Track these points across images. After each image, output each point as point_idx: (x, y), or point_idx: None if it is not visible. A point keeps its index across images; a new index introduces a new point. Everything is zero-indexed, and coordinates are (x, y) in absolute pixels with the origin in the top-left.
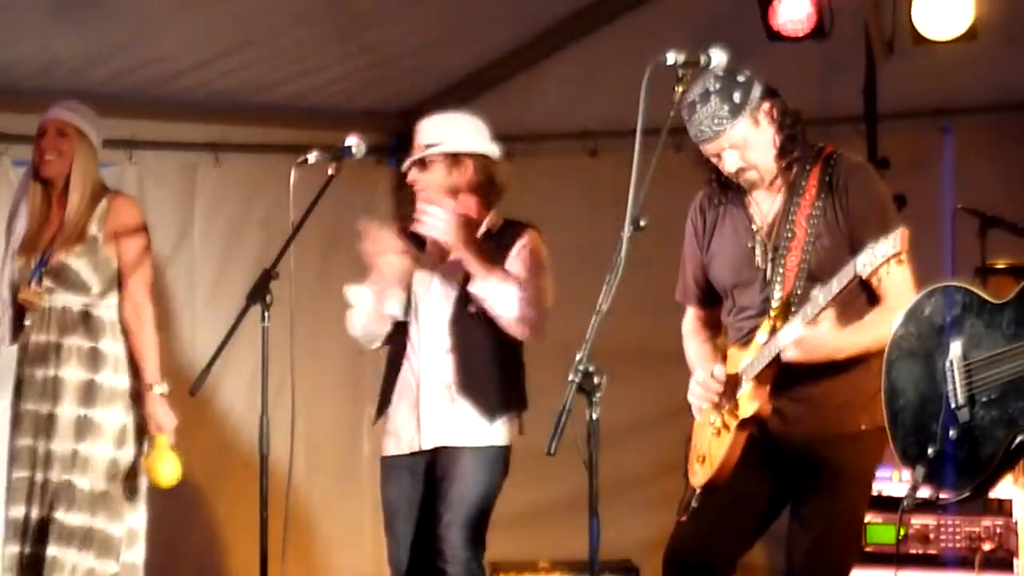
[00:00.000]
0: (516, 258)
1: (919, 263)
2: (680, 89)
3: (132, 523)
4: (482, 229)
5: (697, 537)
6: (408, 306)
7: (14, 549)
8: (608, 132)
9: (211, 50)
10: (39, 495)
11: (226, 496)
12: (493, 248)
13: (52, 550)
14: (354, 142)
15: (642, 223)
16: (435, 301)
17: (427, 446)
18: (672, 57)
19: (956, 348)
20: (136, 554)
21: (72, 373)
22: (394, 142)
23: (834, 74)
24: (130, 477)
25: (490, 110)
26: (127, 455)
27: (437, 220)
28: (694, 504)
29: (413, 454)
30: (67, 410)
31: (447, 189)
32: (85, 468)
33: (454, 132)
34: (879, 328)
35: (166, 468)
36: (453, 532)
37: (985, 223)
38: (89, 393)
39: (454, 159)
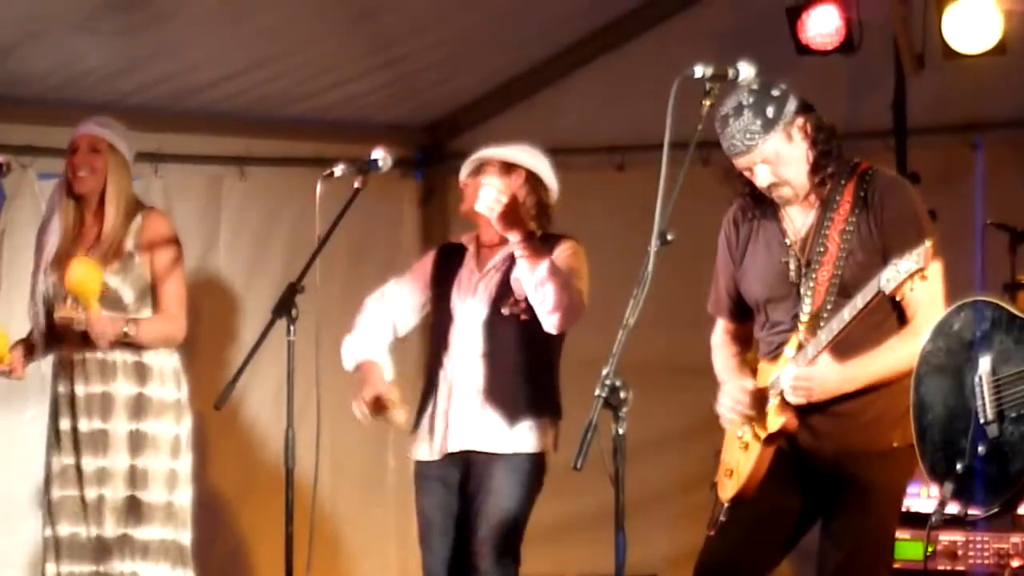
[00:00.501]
0: (560, 258)
1: (948, 278)
2: (708, 103)
3: (190, 532)
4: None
5: (726, 552)
6: (445, 312)
7: (75, 568)
8: (635, 146)
9: (237, 63)
10: (94, 513)
11: (252, 508)
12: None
13: (129, 566)
14: (380, 155)
15: (669, 237)
16: (473, 306)
17: (453, 448)
18: (700, 71)
19: (985, 363)
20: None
21: (121, 388)
22: (420, 155)
23: (863, 88)
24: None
25: (516, 124)
26: (184, 465)
27: (489, 195)
28: (722, 518)
29: (443, 461)
30: (119, 425)
31: (521, 199)
32: (146, 482)
33: (514, 150)
34: (897, 352)
35: (83, 272)
36: (486, 547)
37: (1015, 238)
38: (139, 406)
39: (508, 167)
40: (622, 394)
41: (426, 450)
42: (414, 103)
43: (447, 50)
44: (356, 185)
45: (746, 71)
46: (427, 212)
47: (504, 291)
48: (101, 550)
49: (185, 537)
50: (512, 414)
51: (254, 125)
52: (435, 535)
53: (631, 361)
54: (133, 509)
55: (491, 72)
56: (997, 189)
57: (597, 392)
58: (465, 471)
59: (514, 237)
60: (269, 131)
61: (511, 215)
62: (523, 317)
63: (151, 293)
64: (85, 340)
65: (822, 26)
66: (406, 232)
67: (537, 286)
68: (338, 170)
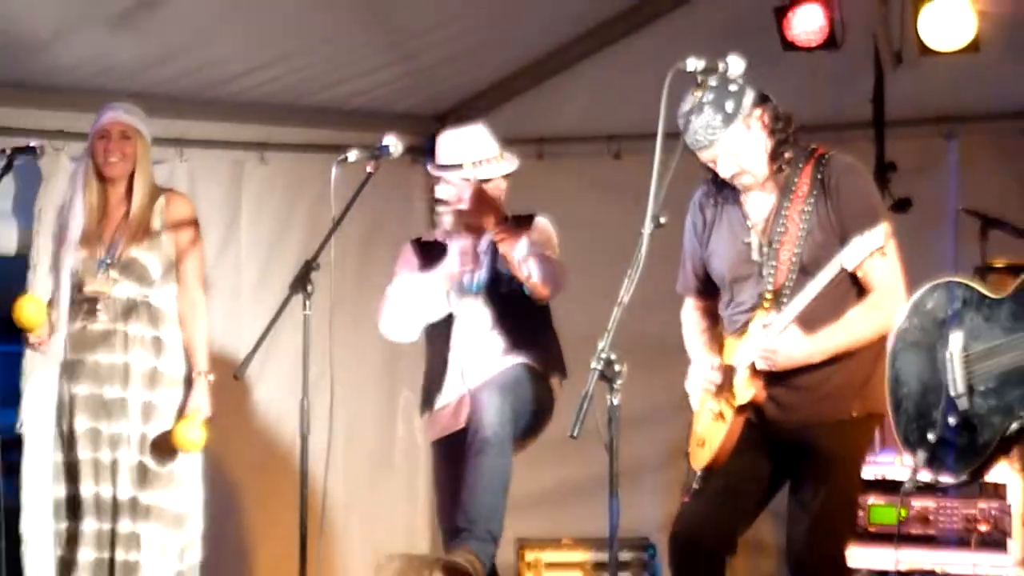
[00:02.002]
0: (533, 236)
1: (924, 261)
2: (699, 95)
3: (195, 497)
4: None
5: (700, 517)
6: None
7: (87, 526)
8: (631, 135)
9: (259, 56)
10: (109, 474)
11: (269, 475)
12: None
13: (136, 526)
14: (392, 141)
15: (662, 220)
16: (472, 291)
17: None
18: (692, 64)
19: (957, 340)
20: (198, 525)
21: (139, 359)
22: (429, 143)
23: (845, 83)
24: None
25: (520, 114)
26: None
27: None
28: (695, 486)
29: (460, 432)
30: (135, 394)
31: (492, 195)
32: (153, 449)
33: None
34: (857, 325)
35: (192, 433)
36: (491, 403)
37: (986, 224)
38: (153, 378)
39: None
40: (617, 367)
41: (443, 428)
42: (425, 94)
43: (456, 46)
44: (368, 170)
45: (735, 64)
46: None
47: (498, 274)
48: (111, 511)
49: (182, 504)
50: (538, 364)
51: (274, 114)
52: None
53: (626, 337)
54: (142, 474)
55: (496, 66)
56: (970, 178)
57: (593, 365)
58: None
59: (489, 227)
60: (288, 119)
61: (476, 215)
62: (520, 290)
63: (174, 268)
64: (109, 313)
65: (807, 24)
66: (415, 214)
67: (521, 263)
68: (352, 156)
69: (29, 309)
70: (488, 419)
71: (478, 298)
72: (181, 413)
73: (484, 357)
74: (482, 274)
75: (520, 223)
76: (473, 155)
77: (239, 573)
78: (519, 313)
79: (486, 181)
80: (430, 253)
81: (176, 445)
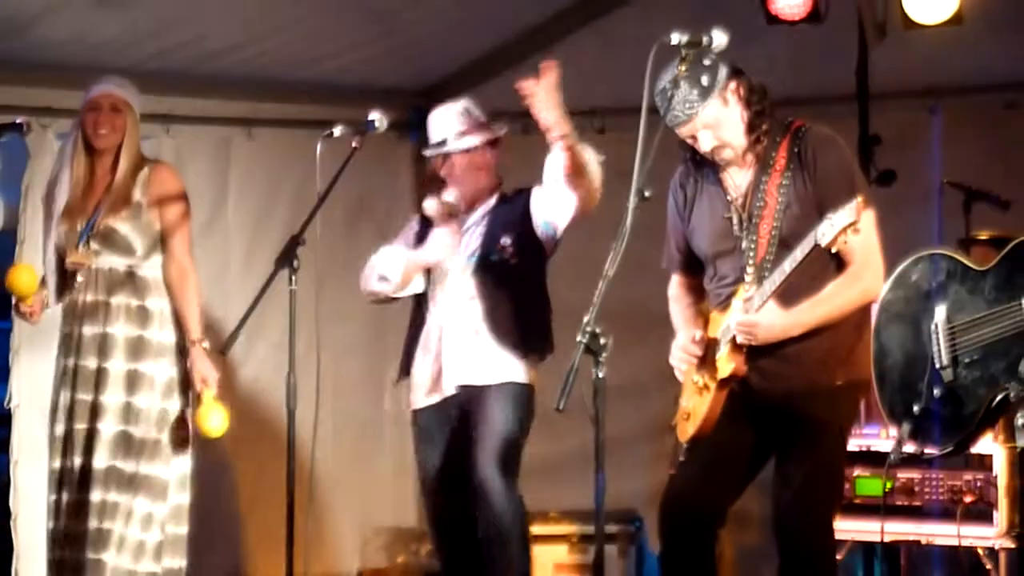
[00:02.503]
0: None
1: (908, 233)
2: (683, 68)
3: (181, 469)
4: (491, 204)
5: (687, 489)
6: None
7: (69, 497)
8: (615, 110)
9: (245, 32)
10: (82, 444)
11: (258, 449)
12: (508, 210)
13: (107, 495)
14: (377, 117)
15: (647, 194)
16: (458, 260)
17: (448, 390)
18: (676, 38)
19: (941, 312)
20: (184, 497)
21: (121, 330)
22: (414, 118)
23: (829, 56)
24: (178, 427)
25: (506, 89)
26: (175, 406)
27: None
28: (681, 458)
29: (440, 404)
30: (117, 365)
31: (485, 164)
32: (138, 419)
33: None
34: (836, 298)
35: (214, 419)
36: (492, 470)
37: (969, 197)
38: (138, 348)
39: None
40: (602, 340)
41: (422, 396)
42: (410, 70)
43: (441, 21)
44: (354, 145)
45: (719, 38)
46: (420, 171)
47: (490, 241)
48: (83, 479)
49: (164, 472)
50: (504, 347)
51: (260, 89)
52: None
53: (611, 310)
54: (123, 443)
55: (480, 41)
56: (953, 151)
57: (579, 338)
58: (462, 405)
59: (482, 198)
60: (274, 95)
61: (467, 186)
62: (512, 261)
63: (161, 242)
64: (91, 284)
65: None
66: (401, 189)
67: (566, 175)
68: (337, 131)
69: (23, 276)
70: (499, 509)
71: (464, 269)
72: (183, 385)
73: (464, 335)
74: (474, 248)
75: (520, 195)
76: (453, 128)
77: (226, 546)
78: (504, 281)
79: (471, 151)
80: (428, 233)
81: (201, 432)
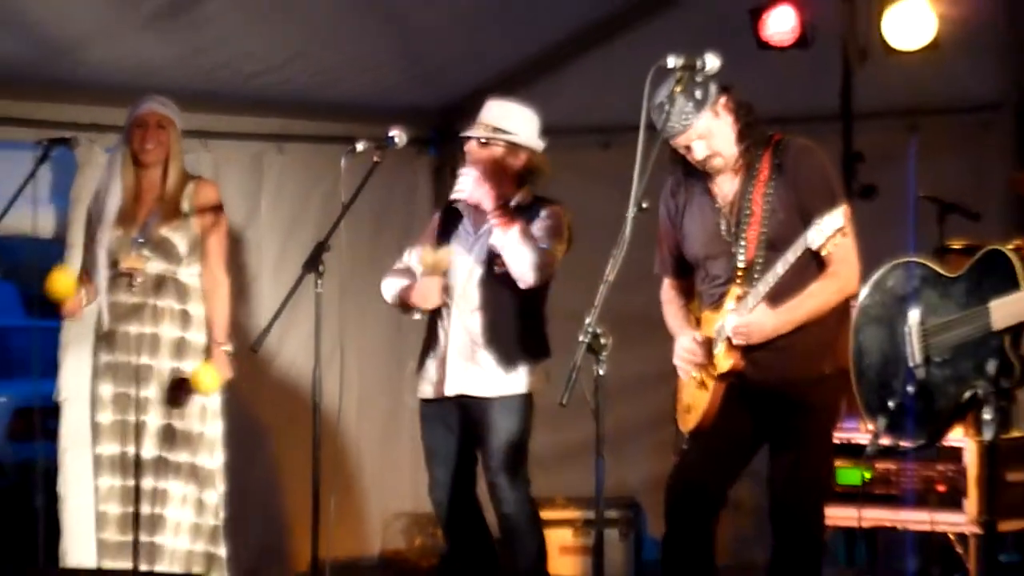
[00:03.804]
0: (540, 222)
1: (887, 242)
2: (679, 89)
3: (221, 459)
4: (514, 202)
5: (691, 474)
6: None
7: (117, 482)
8: (618, 127)
9: (277, 56)
10: (130, 434)
11: (286, 439)
12: (521, 217)
13: (162, 484)
14: (396, 133)
15: (644, 205)
16: (469, 265)
17: (449, 392)
18: (672, 61)
19: (915, 315)
20: (221, 486)
21: (167, 331)
22: (433, 135)
23: (815, 79)
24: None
25: None
26: (213, 402)
27: (465, 182)
28: (684, 446)
29: (441, 401)
30: (164, 363)
31: (501, 168)
32: (182, 414)
33: (521, 125)
34: (818, 297)
35: (208, 376)
36: (501, 477)
37: (943, 209)
38: (181, 348)
39: (513, 147)
40: (602, 340)
41: (429, 390)
42: (429, 90)
43: (456, 48)
44: (375, 159)
45: (711, 62)
46: (439, 184)
47: (494, 253)
48: (141, 468)
49: (210, 462)
50: (504, 361)
51: (291, 108)
52: (437, 464)
53: (611, 313)
54: (168, 435)
55: (494, 64)
56: (929, 167)
57: (581, 338)
58: (462, 413)
59: (489, 208)
60: (304, 113)
61: (484, 193)
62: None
63: (199, 247)
64: (141, 288)
65: (780, 25)
66: (420, 201)
67: (509, 249)
68: (360, 146)
69: (59, 280)
70: (511, 510)
71: (470, 278)
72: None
73: (467, 345)
74: (483, 258)
75: (533, 207)
76: (491, 120)
77: (258, 529)
78: (506, 293)
79: (488, 145)
80: (451, 222)
81: (195, 387)
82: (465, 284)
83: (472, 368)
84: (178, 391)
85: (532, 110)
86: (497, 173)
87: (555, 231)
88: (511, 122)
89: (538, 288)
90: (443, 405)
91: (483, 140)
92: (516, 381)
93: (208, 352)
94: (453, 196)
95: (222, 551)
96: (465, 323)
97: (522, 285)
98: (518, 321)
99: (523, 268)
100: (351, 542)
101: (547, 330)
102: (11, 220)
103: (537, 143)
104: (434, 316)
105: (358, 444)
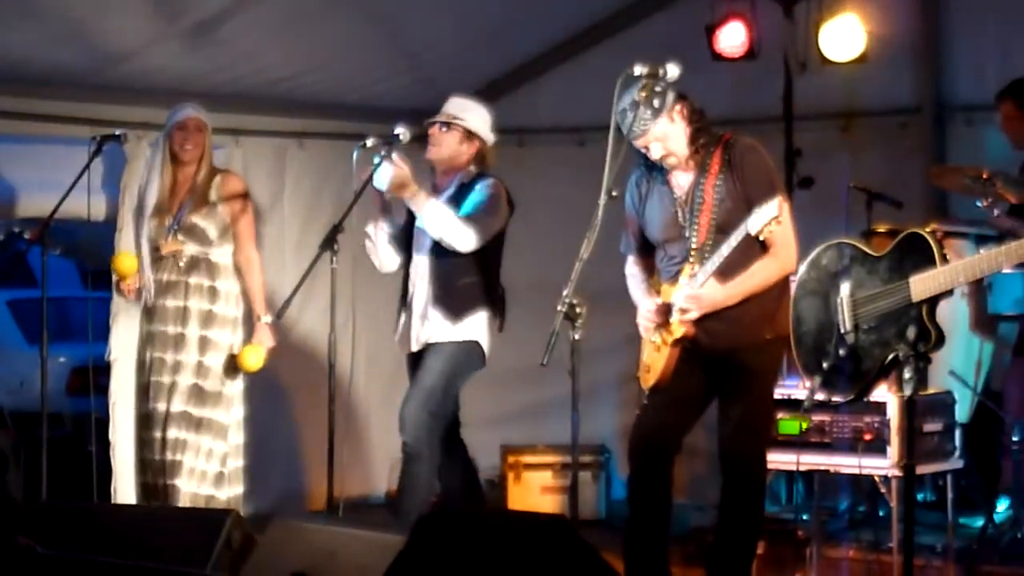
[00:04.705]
0: (477, 194)
1: (822, 226)
2: (644, 94)
3: (238, 415)
4: (457, 182)
5: (651, 426)
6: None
7: (156, 435)
8: (593, 127)
9: (299, 65)
10: (164, 393)
11: (304, 396)
12: (461, 195)
13: (179, 433)
14: (402, 130)
15: (614, 194)
16: (425, 235)
17: (415, 348)
18: (638, 69)
19: (845, 288)
20: (240, 437)
21: (196, 304)
22: None
23: (761, 85)
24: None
25: (507, 109)
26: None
27: (384, 174)
28: (644, 402)
29: (411, 355)
30: (193, 331)
31: (454, 151)
32: (208, 374)
33: (476, 118)
34: (761, 273)
35: (252, 357)
36: (408, 407)
37: (871, 197)
38: (209, 319)
39: (468, 134)
40: (578, 309)
41: (406, 347)
42: (429, 94)
43: (453, 58)
44: (383, 153)
45: (672, 70)
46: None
47: None
48: (168, 421)
49: (226, 417)
50: (450, 315)
51: (311, 110)
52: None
53: (586, 286)
54: (195, 393)
55: (485, 72)
56: (859, 161)
57: (559, 308)
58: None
59: (404, 196)
60: (322, 114)
61: (399, 186)
62: None
63: (230, 231)
64: (173, 267)
65: (731, 39)
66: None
67: (429, 227)
68: (370, 142)
69: (127, 261)
70: (410, 438)
71: (423, 246)
72: (232, 347)
73: (424, 304)
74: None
75: (475, 179)
76: (453, 111)
77: (279, 474)
78: (451, 259)
79: (449, 130)
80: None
81: (240, 365)
82: (425, 250)
83: (426, 323)
84: (230, 368)
85: (487, 108)
86: (455, 157)
87: (491, 200)
88: (468, 114)
89: (482, 251)
90: (412, 358)
91: (443, 127)
92: (458, 331)
93: (243, 322)
94: (375, 187)
95: (223, 494)
96: (424, 284)
97: (460, 250)
98: (465, 280)
99: (449, 238)
100: (361, 483)
101: (494, 286)
102: (69, 206)
103: (489, 136)
104: (405, 281)
105: (367, 399)
